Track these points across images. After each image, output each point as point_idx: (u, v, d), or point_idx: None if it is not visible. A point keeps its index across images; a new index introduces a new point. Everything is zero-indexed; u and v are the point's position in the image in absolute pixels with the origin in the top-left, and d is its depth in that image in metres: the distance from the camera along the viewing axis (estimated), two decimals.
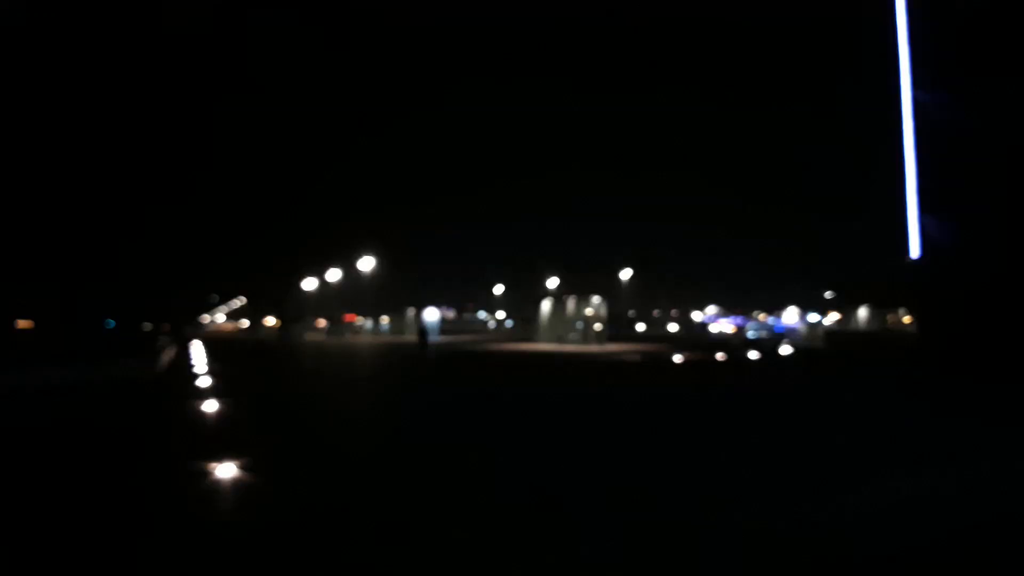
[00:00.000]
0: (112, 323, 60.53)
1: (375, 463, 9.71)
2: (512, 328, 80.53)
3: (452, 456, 10.16)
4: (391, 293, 70.84)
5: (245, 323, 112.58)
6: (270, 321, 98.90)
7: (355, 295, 73.20)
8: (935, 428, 12.70)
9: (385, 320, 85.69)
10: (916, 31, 24.51)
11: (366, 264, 65.26)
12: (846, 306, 61.15)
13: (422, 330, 45.55)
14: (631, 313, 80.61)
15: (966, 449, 10.48)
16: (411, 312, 72.11)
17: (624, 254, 70.59)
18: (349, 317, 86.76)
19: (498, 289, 74.27)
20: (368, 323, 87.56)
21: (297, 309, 79.76)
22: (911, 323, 42.25)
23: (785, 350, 41.27)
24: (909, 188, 23.83)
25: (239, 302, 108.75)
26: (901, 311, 53.77)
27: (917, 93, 24.29)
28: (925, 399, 17.44)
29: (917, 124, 24.25)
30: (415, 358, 34.39)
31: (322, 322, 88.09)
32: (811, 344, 50.48)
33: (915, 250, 23.74)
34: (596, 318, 53.29)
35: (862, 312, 58.16)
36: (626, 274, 65.92)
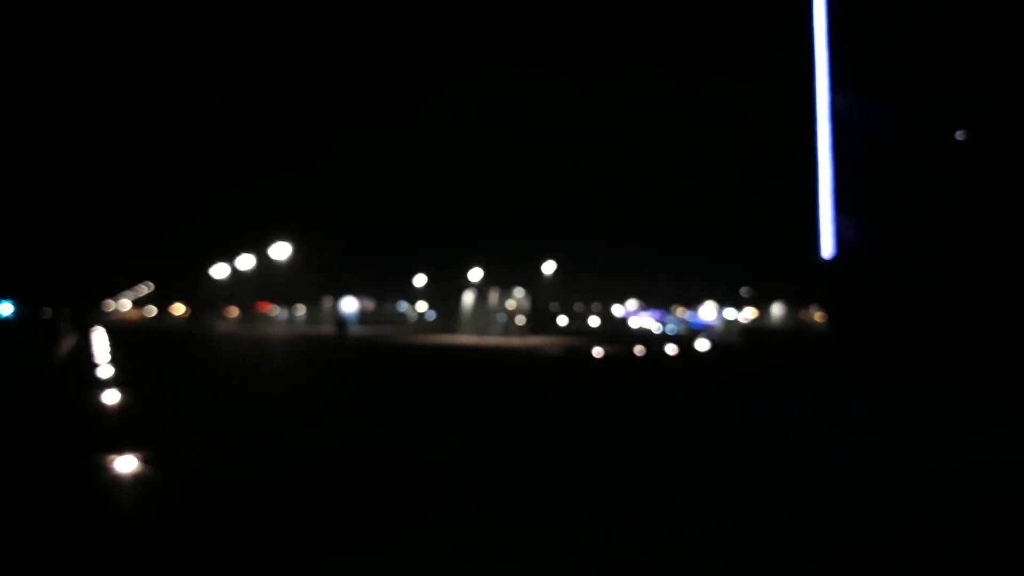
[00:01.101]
0: (10, 310, 57.61)
1: (288, 460, 9.49)
2: (434, 320, 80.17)
3: (364, 449, 10.03)
4: (307, 282, 69.44)
5: (152, 311, 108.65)
6: (179, 309, 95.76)
7: (269, 283, 71.48)
8: (838, 419, 13.25)
9: (301, 310, 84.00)
10: (834, 33, 25.40)
11: (280, 251, 63.77)
12: (762, 302, 63.25)
13: (340, 320, 44.89)
14: (553, 306, 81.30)
15: (867, 439, 10.95)
16: (328, 302, 70.92)
17: (548, 247, 71.02)
18: (263, 306, 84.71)
19: (419, 280, 73.67)
20: (283, 313, 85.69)
21: (207, 297, 77.41)
22: (823, 320, 43.98)
23: (702, 345, 42.36)
24: (823, 188, 24.76)
25: (146, 288, 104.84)
26: (814, 308, 55.93)
27: (833, 95, 25.18)
28: (833, 392, 18.22)
29: (833, 125, 25.14)
30: (333, 349, 33.85)
31: (234, 311, 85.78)
32: (727, 339, 51.97)
33: (828, 249, 24.68)
34: (518, 311, 53.63)
35: (777, 308, 60.25)
36: (549, 267, 66.42)
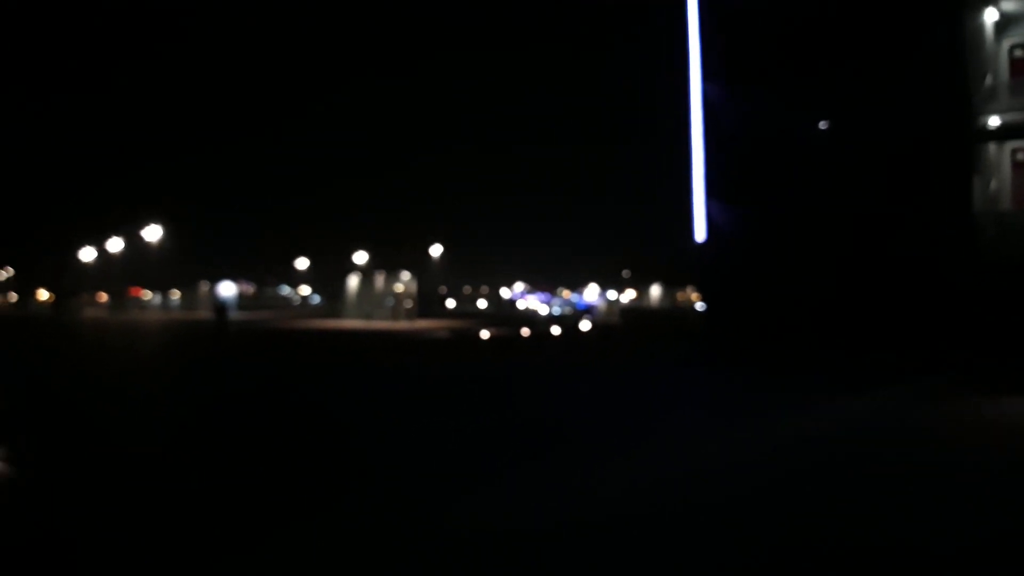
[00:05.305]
0: None
1: (168, 464, 9.39)
2: (318, 304, 78.69)
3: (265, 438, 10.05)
4: (181, 266, 66.60)
5: (13, 297, 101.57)
6: (44, 295, 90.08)
7: (142, 267, 68.23)
8: (706, 395, 14.19)
9: (176, 295, 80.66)
10: (706, 23, 26.53)
11: (153, 233, 61.01)
12: (641, 284, 65.55)
13: (219, 306, 43.43)
14: (441, 289, 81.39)
15: (732, 415, 11.87)
16: (204, 286, 68.40)
17: (436, 230, 70.96)
18: (135, 291, 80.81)
19: (302, 263, 71.97)
20: (157, 298, 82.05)
21: (74, 282, 73.15)
22: (698, 300, 46.12)
23: (585, 326, 43.64)
24: (696, 176, 25.94)
25: (5, 274, 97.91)
26: (690, 289, 58.48)
27: (705, 83, 26.32)
28: (704, 370, 19.38)
29: (705, 114, 26.30)
30: (213, 337, 32.89)
31: (103, 296, 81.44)
32: (608, 320, 53.69)
33: (700, 233, 25.92)
34: (406, 294, 53.40)
35: (655, 290, 62.65)
36: (436, 250, 66.47)
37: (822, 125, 24.12)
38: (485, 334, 34.59)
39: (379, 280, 53.47)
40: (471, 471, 7.96)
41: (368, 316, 51.54)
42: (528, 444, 9.34)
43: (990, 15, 22.43)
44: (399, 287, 53.14)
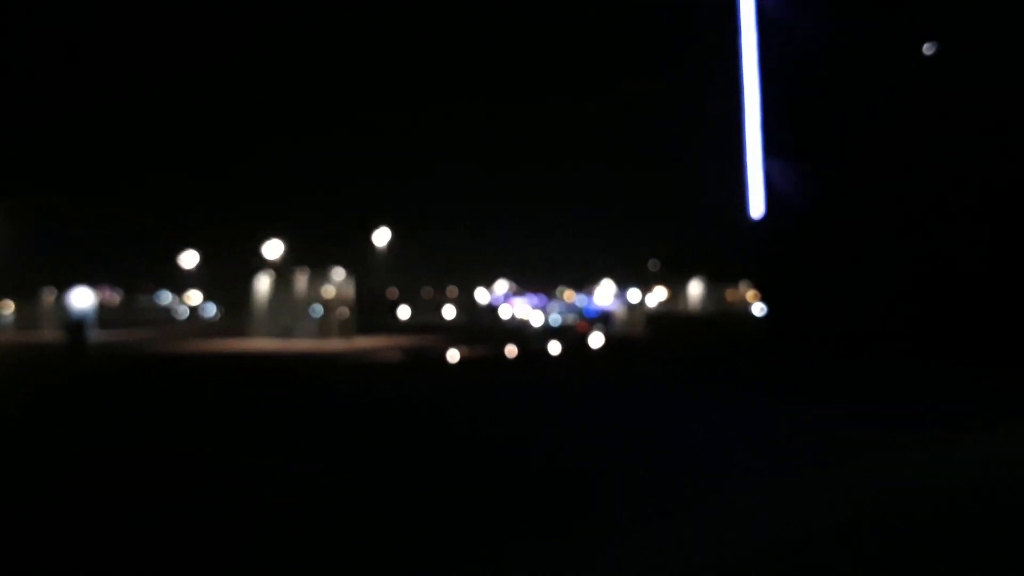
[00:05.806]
0: None
1: None
2: (214, 317, 78.41)
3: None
4: (16, 268, 66.03)
5: None
6: None
7: None
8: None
9: (7, 308, 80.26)
10: None
11: None
12: (675, 280, 65.79)
13: (73, 324, 43.22)
14: (391, 293, 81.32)
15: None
16: (50, 296, 68.01)
17: (382, 210, 70.58)
18: None
19: (190, 259, 71.35)
20: None
21: None
22: (756, 299, 46.40)
23: (596, 341, 43.84)
24: (751, 125, 26.05)
25: None
26: (745, 285, 58.78)
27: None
28: (761, 400, 19.54)
29: (761, 36, 26.41)
30: (62, 368, 32.75)
31: None
32: (630, 331, 53.95)
33: (758, 208, 26.07)
34: (340, 301, 53.44)
35: (695, 287, 62.92)
36: (383, 237, 66.23)
37: (927, 49, 24.32)
38: (454, 355, 34.69)
39: (301, 281, 53.47)
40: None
41: (286, 333, 51.50)
42: (529, 523, 9.50)
43: None
44: (329, 291, 53.20)
